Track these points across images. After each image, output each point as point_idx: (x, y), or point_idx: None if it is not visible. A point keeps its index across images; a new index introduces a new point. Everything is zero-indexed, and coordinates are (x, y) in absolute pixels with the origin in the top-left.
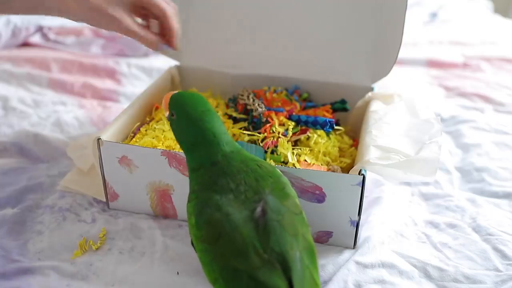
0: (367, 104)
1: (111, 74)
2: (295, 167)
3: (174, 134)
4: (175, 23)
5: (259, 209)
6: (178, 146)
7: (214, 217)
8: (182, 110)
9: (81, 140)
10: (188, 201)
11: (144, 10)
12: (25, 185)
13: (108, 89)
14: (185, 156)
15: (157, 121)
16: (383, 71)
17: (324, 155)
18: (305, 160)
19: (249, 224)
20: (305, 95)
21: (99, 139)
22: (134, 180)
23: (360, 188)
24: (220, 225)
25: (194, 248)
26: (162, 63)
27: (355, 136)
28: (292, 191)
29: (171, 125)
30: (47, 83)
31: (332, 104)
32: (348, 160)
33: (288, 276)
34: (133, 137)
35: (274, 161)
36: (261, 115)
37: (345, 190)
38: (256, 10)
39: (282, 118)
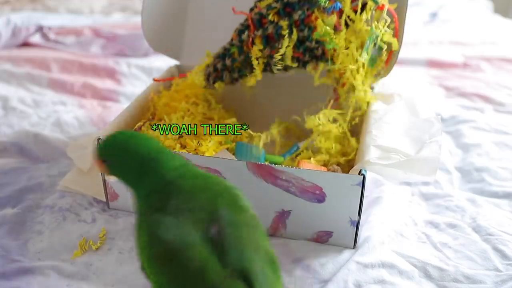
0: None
1: (111, 74)
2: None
3: (118, 177)
4: None
5: (214, 228)
6: (178, 145)
7: (168, 238)
8: (109, 148)
9: (81, 140)
10: (138, 224)
11: None
12: (25, 185)
13: (108, 89)
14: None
15: (159, 120)
16: (383, 71)
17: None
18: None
19: (206, 244)
20: None
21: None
22: None
23: (360, 188)
24: (175, 246)
25: (145, 273)
26: (162, 63)
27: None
28: (246, 203)
29: (111, 174)
30: (47, 83)
31: None
32: (346, 158)
33: None
34: None
35: (271, 162)
36: None
37: (345, 190)
38: None
39: None
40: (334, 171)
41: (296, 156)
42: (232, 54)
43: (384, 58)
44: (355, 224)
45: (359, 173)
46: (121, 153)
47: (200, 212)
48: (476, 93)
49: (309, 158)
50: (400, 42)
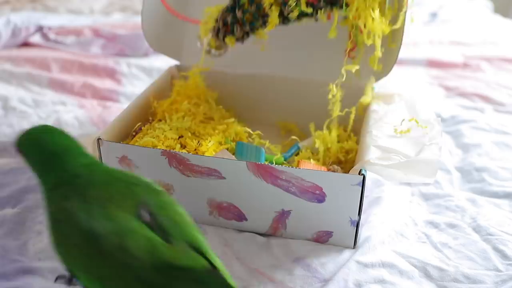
0: (367, 104)
1: (111, 74)
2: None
3: (31, 168)
4: None
5: (145, 213)
6: (178, 145)
7: (106, 231)
8: (24, 139)
9: (81, 140)
10: (58, 222)
11: None
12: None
13: (108, 89)
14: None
15: (159, 121)
16: (383, 71)
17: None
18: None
19: (146, 229)
20: None
21: (99, 139)
22: None
23: (360, 188)
24: (117, 235)
25: (74, 275)
26: (162, 63)
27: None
28: (158, 186)
29: (26, 164)
30: (47, 83)
31: None
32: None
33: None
34: (134, 136)
35: (271, 162)
36: None
37: (345, 190)
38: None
39: None
40: (334, 171)
41: (296, 155)
42: (243, 5)
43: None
44: (355, 224)
45: (359, 173)
46: (31, 144)
47: (124, 199)
48: (476, 93)
49: (309, 158)
50: (400, 42)
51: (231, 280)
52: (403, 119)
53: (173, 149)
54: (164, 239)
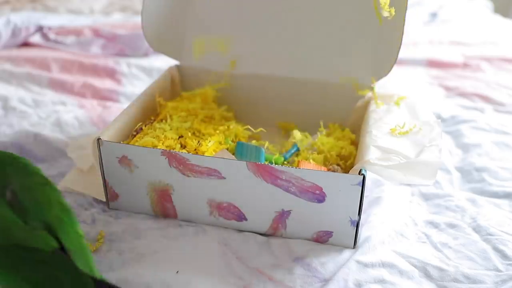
0: (367, 104)
1: (111, 74)
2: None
3: None
4: None
5: (8, 193)
6: (178, 145)
7: None
8: None
9: (81, 140)
10: None
11: None
12: None
13: (108, 89)
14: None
15: (160, 121)
16: (383, 71)
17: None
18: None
19: (5, 208)
20: None
21: (99, 139)
22: (134, 180)
23: (360, 188)
24: None
25: None
26: (162, 63)
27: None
28: (34, 167)
29: None
30: (47, 83)
31: None
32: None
33: (56, 237)
34: (135, 136)
35: (270, 162)
36: None
37: (345, 190)
38: (256, 9)
39: None
40: (334, 171)
41: (296, 156)
42: None
43: None
44: (355, 224)
45: (359, 173)
46: None
47: None
48: (476, 93)
49: (309, 159)
50: (400, 41)
51: (88, 263)
52: (402, 124)
53: (173, 149)
54: (21, 219)
